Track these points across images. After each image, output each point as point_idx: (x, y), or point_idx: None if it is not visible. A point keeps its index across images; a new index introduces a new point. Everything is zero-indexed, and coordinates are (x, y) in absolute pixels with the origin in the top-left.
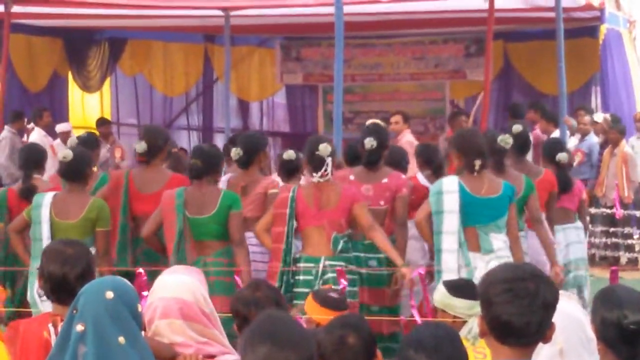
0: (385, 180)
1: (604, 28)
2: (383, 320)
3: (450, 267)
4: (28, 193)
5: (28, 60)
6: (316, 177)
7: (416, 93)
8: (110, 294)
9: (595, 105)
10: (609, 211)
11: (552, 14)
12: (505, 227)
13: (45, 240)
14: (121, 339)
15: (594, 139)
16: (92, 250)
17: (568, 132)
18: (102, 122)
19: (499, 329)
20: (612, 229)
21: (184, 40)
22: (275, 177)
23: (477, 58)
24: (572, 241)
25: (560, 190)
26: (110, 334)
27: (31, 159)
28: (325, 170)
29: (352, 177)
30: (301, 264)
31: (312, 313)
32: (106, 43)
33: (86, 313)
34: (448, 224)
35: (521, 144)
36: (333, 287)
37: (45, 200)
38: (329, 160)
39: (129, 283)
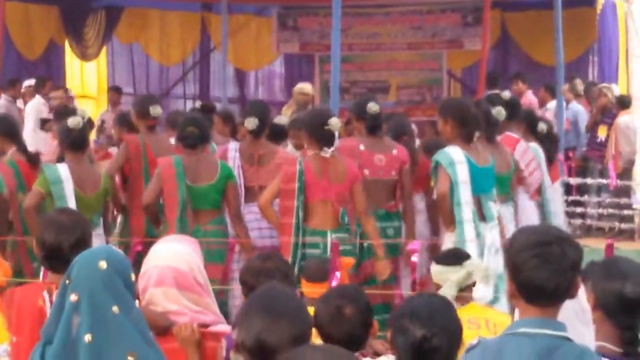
0: (395, 151)
1: None
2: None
3: (472, 236)
4: (37, 159)
5: (24, 29)
6: (328, 152)
7: (413, 63)
8: (103, 264)
9: (593, 75)
10: (604, 181)
11: None
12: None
13: None
14: (115, 309)
15: (578, 107)
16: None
17: (565, 103)
18: (111, 88)
19: (529, 292)
20: (608, 200)
21: (181, 9)
22: (290, 149)
23: (475, 28)
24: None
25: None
26: (104, 303)
27: (15, 127)
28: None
29: (362, 147)
30: (307, 237)
31: (303, 287)
32: (103, 11)
33: (80, 283)
34: (464, 195)
35: (509, 111)
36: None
37: (63, 174)
38: (337, 134)
39: (122, 252)
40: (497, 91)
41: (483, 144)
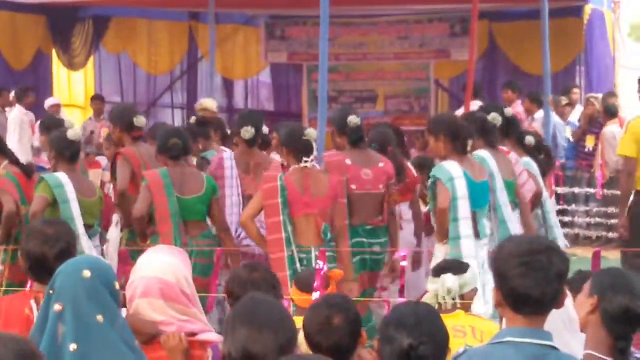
0: (381, 164)
1: (588, 8)
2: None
3: (471, 253)
4: (32, 171)
5: (12, 38)
6: (308, 162)
7: (400, 72)
8: (87, 273)
9: (580, 85)
10: (592, 191)
11: None
12: None
13: (78, 219)
14: (100, 318)
15: (556, 119)
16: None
17: (553, 113)
18: (95, 97)
19: (515, 300)
20: (595, 209)
21: (169, 19)
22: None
23: (462, 38)
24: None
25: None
26: (89, 313)
27: (3, 140)
28: (314, 155)
29: (349, 162)
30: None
31: (294, 296)
32: (90, 21)
33: (64, 293)
34: (463, 210)
35: (507, 127)
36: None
37: (63, 179)
38: (315, 145)
39: (106, 262)
40: (479, 102)
41: (488, 150)
